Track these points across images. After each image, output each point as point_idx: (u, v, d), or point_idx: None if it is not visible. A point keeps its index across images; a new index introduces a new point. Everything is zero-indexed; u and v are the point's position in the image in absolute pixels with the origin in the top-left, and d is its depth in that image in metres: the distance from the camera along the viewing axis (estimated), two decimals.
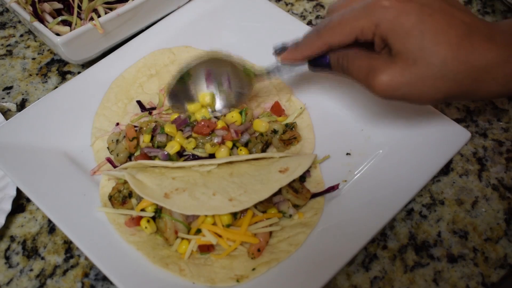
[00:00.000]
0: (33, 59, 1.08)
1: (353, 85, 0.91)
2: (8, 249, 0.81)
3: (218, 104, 0.87)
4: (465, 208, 0.86)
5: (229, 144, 0.82)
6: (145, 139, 0.83)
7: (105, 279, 0.78)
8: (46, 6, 0.98)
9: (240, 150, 0.83)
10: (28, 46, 1.11)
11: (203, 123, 0.82)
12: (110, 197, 0.79)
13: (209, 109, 0.86)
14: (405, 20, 0.62)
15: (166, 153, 0.80)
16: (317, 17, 1.16)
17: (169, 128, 0.82)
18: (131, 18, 0.98)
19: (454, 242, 0.82)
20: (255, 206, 0.76)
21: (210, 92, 0.86)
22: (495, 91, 0.65)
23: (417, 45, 0.62)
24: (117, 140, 0.84)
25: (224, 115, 0.86)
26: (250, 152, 0.83)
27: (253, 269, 0.72)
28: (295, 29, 0.97)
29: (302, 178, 0.82)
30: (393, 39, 0.64)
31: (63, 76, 1.05)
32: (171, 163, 0.78)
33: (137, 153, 0.84)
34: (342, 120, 0.90)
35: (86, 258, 0.80)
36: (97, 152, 0.87)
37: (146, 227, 0.75)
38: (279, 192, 0.77)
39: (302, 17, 1.16)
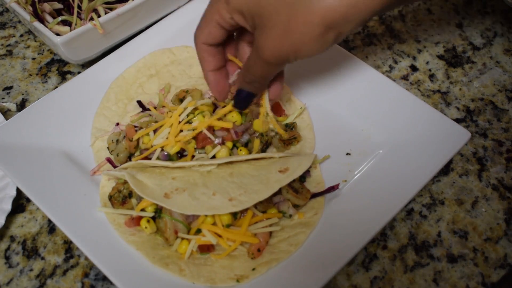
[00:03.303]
0: (33, 59, 1.08)
1: (353, 85, 0.91)
2: (8, 249, 0.81)
3: None
4: (465, 208, 0.86)
5: (229, 144, 0.82)
6: (145, 139, 0.83)
7: (105, 279, 0.78)
8: (46, 6, 0.98)
9: (240, 150, 0.83)
10: (28, 46, 1.11)
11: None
12: (110, 197, 0.79)
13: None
14: None
15: (166, 153, 0.80)
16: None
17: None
18: (131, 18, 0.99)
19: (454, 242, 0.82)
20: (255, 206, 0.76)
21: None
22: None
23: None
24: (117, 140, 0.84)
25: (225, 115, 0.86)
26: (250, 152, 0.83)
27: (253, 269, 0.72)
28: None
29: (302, 178, 0.82)
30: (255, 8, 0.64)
31: (63, 76, 1.05)
32: (171, 163, 0.78)
33: (137, 153, 0.84)
34: (342, 120, 0.90)
35: (86, 258, 0.80)
36: (97, 152, 0.87)
37: (146, 227, 0.75)
38: (279, 192, 0.77)
39: None
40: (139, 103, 0.92)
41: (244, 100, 0.77)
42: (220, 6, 0.68)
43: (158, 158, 0.81)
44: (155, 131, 0.83)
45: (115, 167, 0.84)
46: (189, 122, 0.83)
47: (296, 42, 0.63)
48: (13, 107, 1.00)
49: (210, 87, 0.80)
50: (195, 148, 0.82)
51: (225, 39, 0.74)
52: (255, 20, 0.65)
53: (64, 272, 0.79)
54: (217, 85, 0.79)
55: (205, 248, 0.74)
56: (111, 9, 0.99)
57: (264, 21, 0.64)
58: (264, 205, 0.77)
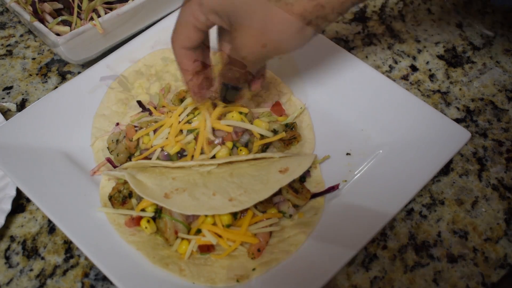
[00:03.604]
0: (33, 59, 1.08)
1: (353, 85, 0.91)
2: (8, 249, 0.81)
3: None
4: (465, 208, 0.86)
5: (229, 144, 0.82)
6: (145, 139, 0.83)
7: (105, 279, 0.78)
8: (46, 6, 0.99)
9: (240, 150, 0.83)
10: (28, 46, 1.11)
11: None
12: (110, 197, 0.79)
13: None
14: None
15: (166, 153, 0.80)
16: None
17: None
18: (131, 18, 0.99)
19: (454, 242, 0.82)
20: (255, 206, 0.76)
21: None
22: None
23: None
24: (117, 140, 0.84)
25: (224, 115, 0.86)
26: (250, 152, 0.83)
27: (253, 269, 0.72)
28: None
29: (302, 178, 0.82)
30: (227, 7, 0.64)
31: (63, 76, 1.05)
32: (171, 163, 0.78)
33: (137, 153, 0.84)
34: (342, 120, 0.90)
35: (86, 258, 0.80)
36: (97, 152, 0.87)
37: (146, 227, 0.75)
38: (279, 192, 0.77)
39: None
40: (139, 103, 0.92)
41: (229, 94, 0.75)
42: (194, 8, 0.67)
43: (158, 158, 0.81)
44: (155, 131, 0.83)
45: (115, 167, 0.84)
46: (189, 122, 0.83)
47: (275, 39, 0.62)
48: (13, 107, 1.00)
49: (192, 92, 0.78)
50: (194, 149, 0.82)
51: (204, 39, 0.73)
52: (231, 19, 0.64)
53: (64, 272, 0.79)
54: (198, 90, 0.77)
55: (205, 248, 0.74)
56: (111, 9, 1.00)
57: (240, 20, 0.63)
58: (264, 205, 0.77)
